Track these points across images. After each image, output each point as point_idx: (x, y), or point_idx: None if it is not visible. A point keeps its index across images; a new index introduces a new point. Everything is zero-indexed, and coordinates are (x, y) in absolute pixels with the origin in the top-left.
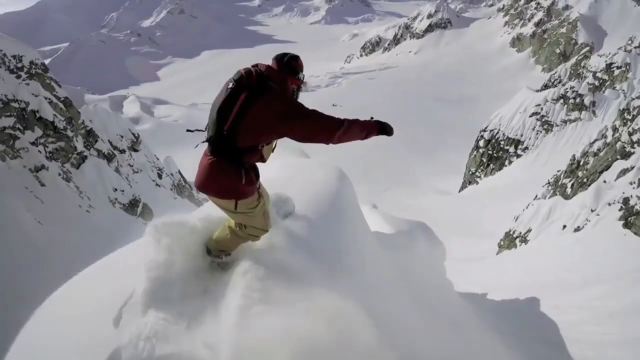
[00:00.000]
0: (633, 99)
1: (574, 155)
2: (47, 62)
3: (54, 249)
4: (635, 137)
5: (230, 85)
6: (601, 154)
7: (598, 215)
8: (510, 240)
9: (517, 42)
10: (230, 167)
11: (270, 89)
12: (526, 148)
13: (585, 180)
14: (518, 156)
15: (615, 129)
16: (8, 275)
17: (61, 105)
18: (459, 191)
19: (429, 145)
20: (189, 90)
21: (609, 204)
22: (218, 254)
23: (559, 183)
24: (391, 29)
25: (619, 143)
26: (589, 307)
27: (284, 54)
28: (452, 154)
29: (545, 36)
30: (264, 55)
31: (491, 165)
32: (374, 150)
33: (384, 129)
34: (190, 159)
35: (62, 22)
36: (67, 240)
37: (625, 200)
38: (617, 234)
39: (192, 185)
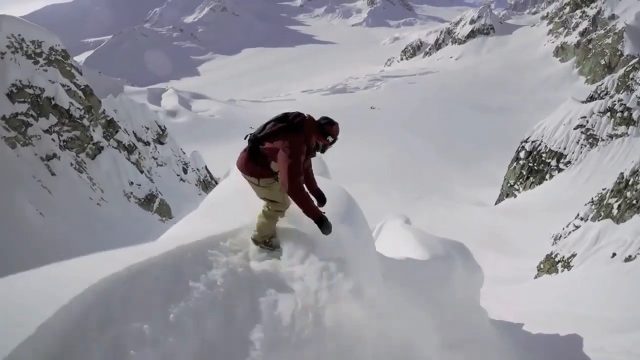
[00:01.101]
0: None
1: (622, 174)
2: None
3: (54, 242)
4: None
5: (280, 115)
6: None
7: None
8: (551, 264)
9: (561, 51)
10: (252, 157)
11: (294, 134)
12: (569, 162)
13: (635, 202)
14: (560, 170)
15: None
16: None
17: (80, 93)
18: (496, 203)
19: (465, 154)
20: (228, 87)
21: None
22: (265, 242)
23: (604, 203)
24: (433, 33)
25: None
26: (636, 354)
27: (327, 119)
28: (489, 164)
29: (590, 46)
30: (305, 55)
31: (531, 178)
32: (405, 156)
33: (321, 223)
34: (222, 155)
35: (106, 15)
36: (71, 233)
37: None
38: None
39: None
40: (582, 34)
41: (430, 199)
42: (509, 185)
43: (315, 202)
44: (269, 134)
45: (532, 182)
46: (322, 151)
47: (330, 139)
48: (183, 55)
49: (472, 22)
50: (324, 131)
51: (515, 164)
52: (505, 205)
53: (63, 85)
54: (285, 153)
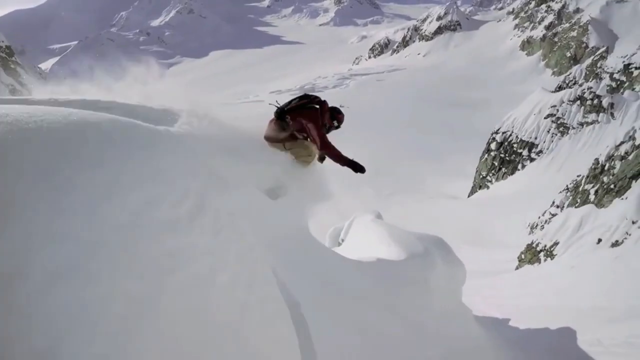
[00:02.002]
0: None
1: (596, 159)
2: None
3: None
4: None
5: (304, 96)
6: (630, 157)
7: None
8: (532, 254)
9: (527, 45)
10: (278, 123)
11: (316, 110)
12: (540, 151)
13: (612, 186)
14: (532, 160)
15: None
16: None
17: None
18: (468, 196)
19: (436, 149)
20: (198, 90)
21: None
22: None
23: (580, 189)
24: (400, 31)
25: None
26: (636, 344)
27: (337, 109)
28: (461, 158)
29: (556, 39)
30: (273, 56)
31: (503, 169)
32: (376, 153)
33: (355, 167)
34: None
35: (72, 20)
36: None
37: None
38: None
39: None
40: (547, 27)
41: (403, 194)
42: (481, 177)
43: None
44: (294, 107)
45: (505, 173)
46: (327, 131)
47: (335, 123)
48: (151, 60)
49: (439, 18)
50: (333, 115)
51: (486, 155)
52: (479, 197)
53: (8, 85)
54: (315, 125)
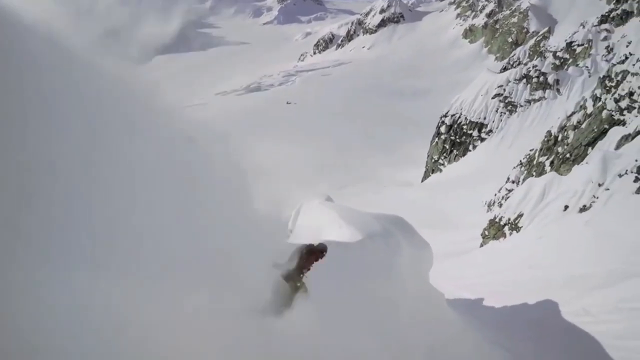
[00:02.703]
0: (614, 65)
1: (549, 132)
2: None
3: None
4: (623, 104)
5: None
6: (583, 126)
7: (608, 189)
8: (497, 229)
9: (470, 33)
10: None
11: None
12: (490, 131)
13: (568, 155)
14: (482, 140)
15: (596, 99)
16: None
17: None
18: (422, 181)
19: (385, 139)
20: None
21: (620, 176)
22: None
23: (534, 162)
24: (344, 26)
25: (605, 112)
26: (625, 309)
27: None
28: (411, 145)
29: (497, 26)
30: (217, 58)
31: (454, 151)
32: (328, 147)
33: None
34: None
35: None
36: None
37: None
38: (636, 209)
39: None
40: (488, 15)
41: (357, 186)
42: (433, 161)
43: None
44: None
45: (457, 155)
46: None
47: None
48: None
49: (382, 11)
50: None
51: (437, 139)
52: (432, 181)
53: None
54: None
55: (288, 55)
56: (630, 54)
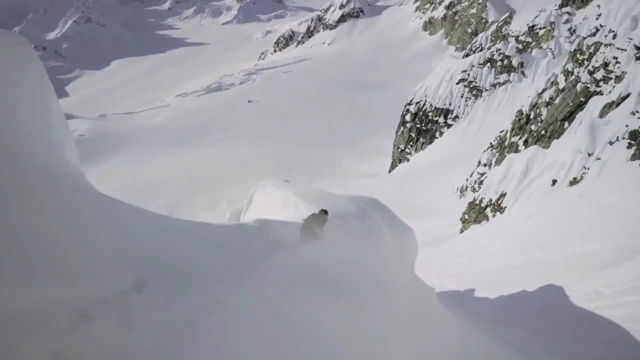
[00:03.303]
0: (585, 38)
1: (520, 111)
2: None
3: None
4: (598, 75)
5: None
6: (556, 101)
7: (599, 159)
8: (478, 212)
9: (429, 25)
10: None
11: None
12: (456, 117)
13: (543, 132)
14: (449, 126)
15: (568, 73)
16: None
17: None
18: (389, 171)
19: (349, 132)
20: (101, 103)
21: (611, 143)
22: None
23: (506, 143)
24: (304, 23)
25: (579, 85)
26: None
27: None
28: (375, 137)
29: (457, 18)
30: (177, 60)
31: (421, 139)
32: (291, 144)
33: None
34: (94, 177)
35: None
36: None
37: (634, 134)
38: (633, 176)
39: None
40: (447, 7)
41: (322, 180)
42: (399, 150)
43: None
44: None
45: (423, 143)
46: None
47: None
48: (49, 76)
49: (342, 7)
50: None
51: (402, 128)
52: (400, 171)
53: None
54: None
55: (248, 54)
56: (601, 26)
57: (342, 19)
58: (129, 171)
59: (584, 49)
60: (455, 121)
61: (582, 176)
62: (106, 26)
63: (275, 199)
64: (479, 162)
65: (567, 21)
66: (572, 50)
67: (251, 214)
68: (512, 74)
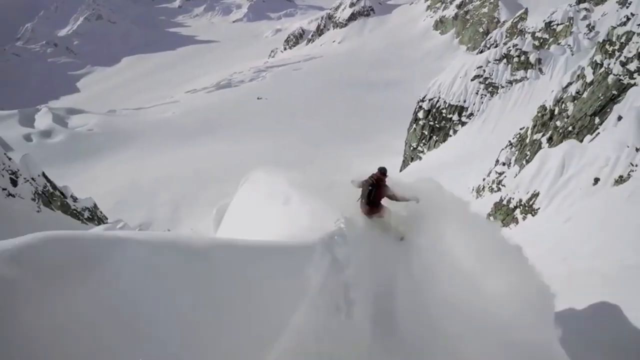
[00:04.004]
0: (614, 28)
1: (543, 106)
2: None
3: None
4: (632, 66)
5: (369, 186)
6: (584, 95)
7: None
8: (505, 214)
9: (440, 24)
10: (375, 207)
11: (379, 186)
12: (471, 114)
13: (570, 128)
14: (463, 124)
15: (596, 65)
16: None
17: None
18: (400, 170)
19: (360, 131)
20: (112, 99)
21: None
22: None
23: (527, 141)
24: (314, 21)
25: (611, 77)
26: None
27: (381, 169)
28: (386, 136)
29: (468, 17)
30: (187, 57)
31: (434, 137)
32: (300, 141)
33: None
34: (104, 171)
35: None
36: None
37: None
38: None
39: (66, 193)
40: (459, 6)
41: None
42: (412, 148)
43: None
44: (375, 195)
45: (436, 141)
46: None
47: (387, 175)
48: (60, 72)
49: (352, 5)
50: (385, 175)
51: (414, 125)
52: (412, 169)
53: None
54: (388, 193)
55: (258, 52)
56: (632, 14)
57: (353, 17)
58: (136, 166)
59: (614, 39)
60: (470, 119)
61: (629, 174)
62: (117, 23)
63: (262, 190)
64: (497, 160)
65: (585, 17)
66: (601, 40)
67: (232, 212)
68: (529, 70)
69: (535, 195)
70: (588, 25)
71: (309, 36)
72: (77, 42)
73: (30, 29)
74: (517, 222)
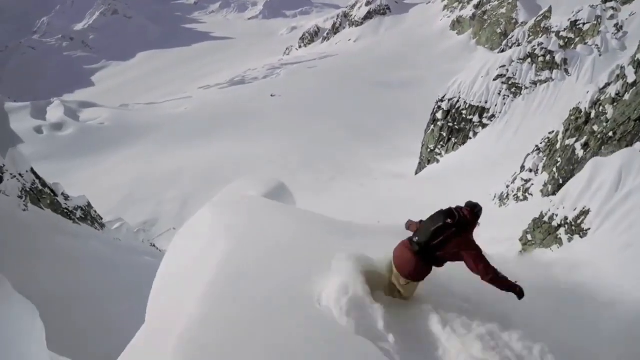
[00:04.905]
0: None
1: (577, 109)
2: None
3: None
4: None
5: (449, 220)
6: (626, 97)
7: None
8: (547, 233)
9: (457, 24)
10: (423, 264)
11: (464, 233)
12: (493, 116)
13: (611, 134)
14: (484, 126)
15: (639, 65)
16: None
17: None
18: (416, 173)
19: (375, 131)
20: (126, 94)
21: None
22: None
23: (559, 146)
24: (330, 19)
25: None
26: None
27: (476, 206)
28: (401, 137)
29: (485, 17)
30: (202, 54)
31: (453, 139)
32: (313, 139)
33: (521, 294)
34: (116, 165)
35: None
36: None
37: None
38: None
39: (57, 191)
40: (476, 6)
41: (344, 179)
42: (429, 150)
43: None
44: (443, 241)
45: (455, 143)
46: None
47: (479, 221)
48: (75, 66)
49: (368, 4)
50: (477, 217)
51: (432, 126)
52: (429, 172)
53: None
54: (473, 253)
55: (273, 49)
56: None
57: (369, 15)
58: (146, 161)
59: None
60: (492, 121)
61: None
62: (132, 18)
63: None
64: (523, 166)
65: (612, 17)
66: None
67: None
68: (554, 71)
69: (585, 212)
70: (616, 25)
71: (325, 34)
72: (93, 36)
73: (47, 23)
74: (560, 244)
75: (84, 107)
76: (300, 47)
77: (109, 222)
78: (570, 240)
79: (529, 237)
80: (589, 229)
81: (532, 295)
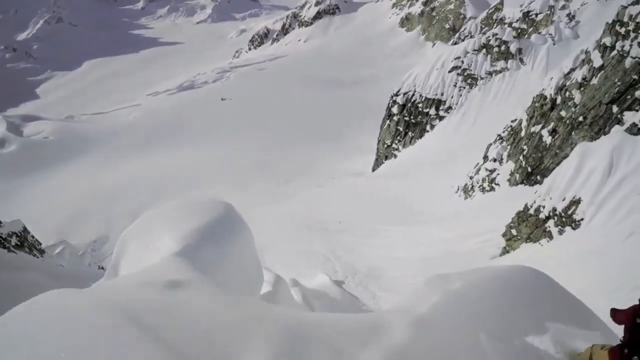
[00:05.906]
0: (625, 7)
1: (541, 95)
2: None
3: None
4: None
5: None
6: (594, 82)
7: None
8: (534, 226)
9: (406, 21)
10: None
11: None
12: (449, 108)
13: (581, 118)
14: (441, 118)
15: (605, 49)
16: None
17: None
18: (374, 169)
19: (330, 129)
20: (72, 105)
21: None
22: None
23: (523, 134)
24: (279, 20)
25: (629, 60)
26: None
27: None
28: (356, 134)
29: (434, 14)
30: (151, 60)
31: (409, 133)
32: (268, 143)
33: None
34: (57, 183)
35: None
36: None
37: None
38: None
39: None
40: (425, 3)
41: (302, 180)
42: (385, 146)
43: None
44: None
45: (412, 137)
46: None
47: None
48: (19, 78)
49: (317, 4)
50: None
51: (388, 121)
52: (387, 168)
53: None
54: None
55: (223, 53)
56: None
57: (318, 15)
58: (94, 175)
59: (626, 19)
60: (448, 113)
61: None
62: (78, 26)
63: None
64: (486, 157)
65: (564, 7)
66: (611, 21)
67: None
68: (509, 60)
69: (576, 202)
70: (568, 15)
71: (274, 36)
72: (37, 46)
73: None
74: (550, 237)
75: (27, 121)
76: (250, 49)
77: (51, 247)
78: (561, 232)
79: (514, 231)
80: (582, 219)
81: None
